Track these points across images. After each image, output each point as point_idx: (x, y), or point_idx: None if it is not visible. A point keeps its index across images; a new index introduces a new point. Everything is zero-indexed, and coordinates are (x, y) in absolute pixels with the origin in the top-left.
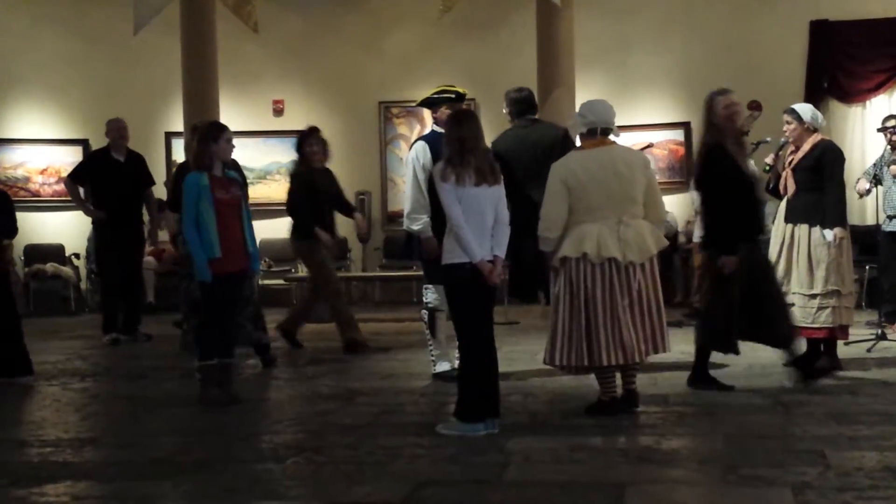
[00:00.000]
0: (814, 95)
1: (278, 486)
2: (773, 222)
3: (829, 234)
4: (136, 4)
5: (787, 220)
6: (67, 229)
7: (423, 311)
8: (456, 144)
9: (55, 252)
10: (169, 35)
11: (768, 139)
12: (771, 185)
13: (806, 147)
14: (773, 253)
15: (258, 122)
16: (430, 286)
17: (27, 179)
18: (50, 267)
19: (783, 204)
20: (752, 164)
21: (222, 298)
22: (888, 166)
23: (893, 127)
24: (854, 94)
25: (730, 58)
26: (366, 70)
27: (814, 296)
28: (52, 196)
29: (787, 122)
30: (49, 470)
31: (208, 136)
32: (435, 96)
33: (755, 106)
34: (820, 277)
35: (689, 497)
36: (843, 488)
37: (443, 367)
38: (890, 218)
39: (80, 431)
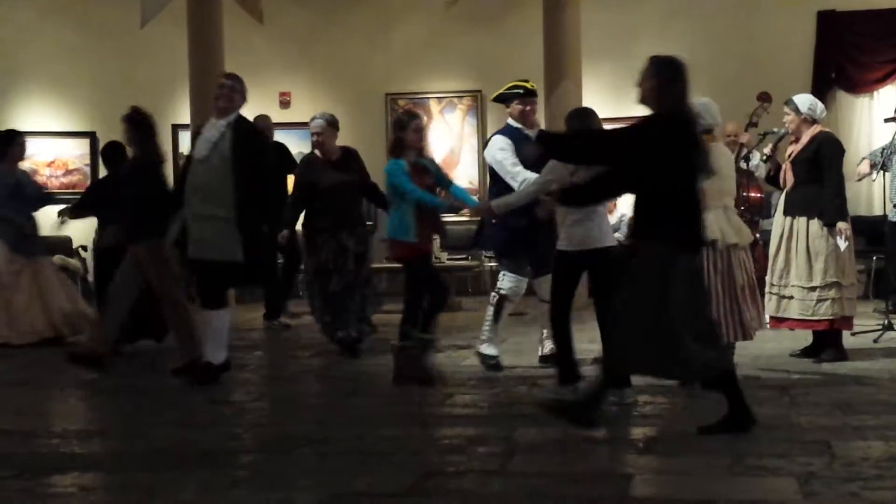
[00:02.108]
0: (821, 86)
1: (283, 477)
2: (773, 213)
3: (840, 240)
4: None
5: (786, 212)
6: (75, 222)
7: (494, 295)
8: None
9: (63, 244)
10: (175, 27)
11: (775, 130)
12: (770, 174)
13: (804, 139)
14: (772, 245)
15: (265, 113)
16: (507, 273)
17: (34, 172)
18: (57, 259)
19: (782, 196)
20: (757, 155)
21: (422, 276)
22: None
23: None
24: (861, 84)
25: (736, 49)
26: (372, 62)
27: (813, 288)
28: (60, 188)
29: (786, 114)
30: (56, 461)
31: (397, 127)
32: (507, 92)
33: (765, 97)
34: (819, 270)
35: (694, 487)
36: (849, 478)
37: (490, 350)
38: None
39: (87, 423)
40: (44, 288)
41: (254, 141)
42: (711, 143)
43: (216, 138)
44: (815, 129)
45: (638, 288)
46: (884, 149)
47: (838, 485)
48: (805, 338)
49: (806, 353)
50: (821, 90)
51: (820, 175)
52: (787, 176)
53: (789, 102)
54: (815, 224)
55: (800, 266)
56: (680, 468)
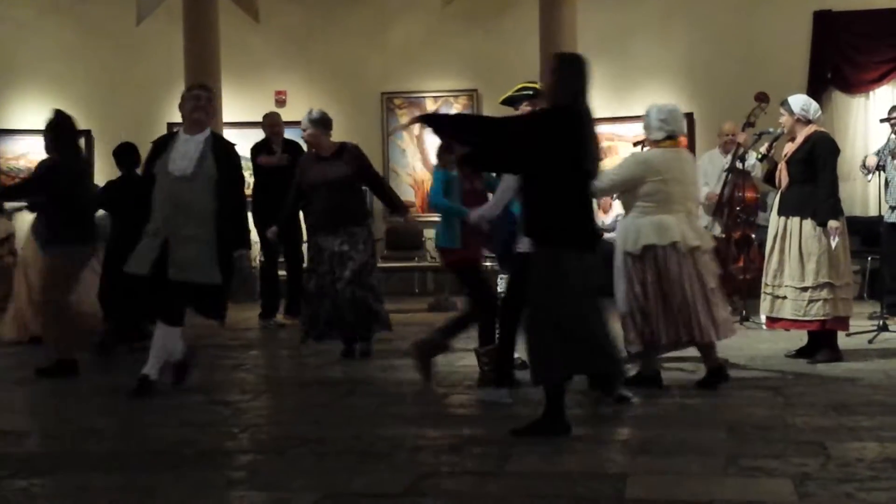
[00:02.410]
0: (817, 86)
1: (280, 478)
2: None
3: (832, 237)
4: None
5: (780, 212)
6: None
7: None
8: None
9: None
10: (171, 26)
11: (771, 130)
12: (767, 174)
13: (799, 139)
14: (767, 245)
15: (260, 112)
16: (503, 277)
17: (29, 170)
18: None
19: (777, 196)
20: (753, 155)
21: (470, 283)
22: (892, 157)
23: None
24: (858, 84)
25: (733, 48)
26: (368, 61)
27: (805, 288)
28: None
29: (781, 114)
30: (51, 461)
31: None
32: (516, 94)
33: (762, 97)
34: (811, 270)
35: (689, 488)
36: (844, 479)
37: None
38: (892, 209)
39: (82, 422)
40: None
41: (236, 159)
42: (676, 149)
43: (198, 155)
44: (811, 128)
45: (538, 292)
46: (880, 150)
47: (833, 486)
48: (800, 338)
49: (801, 353)
50: (817, 90)
51: (814, 175)
52: (782, 176)
53: (784, 103)
54: (809, 224)
55: (793, 266)
56: (675, 469)
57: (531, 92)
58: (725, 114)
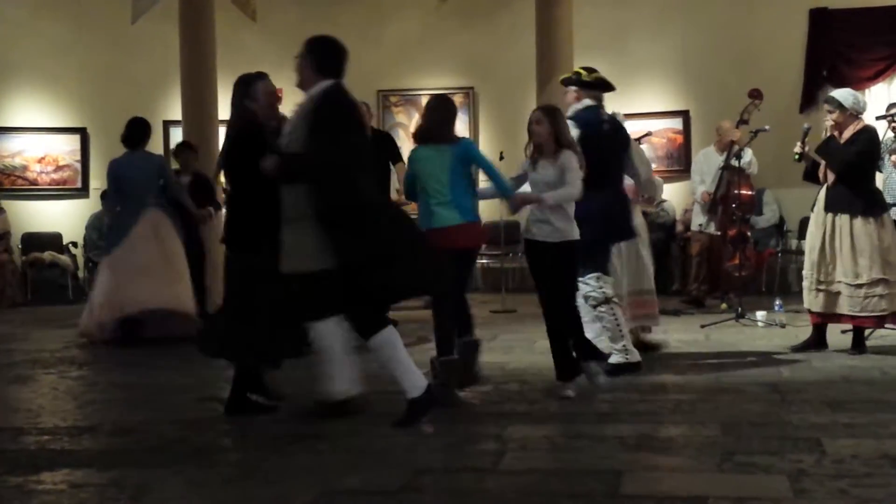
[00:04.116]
0: (813, 84)
1: (276, 474)
2: (811, 209)
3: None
4: None
5: (828, 209)
6: (65, 218)
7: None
8: None
9: (53, 240)
10: (167, 23)
11: (767, 127)
12: (807, 171)
13: (847, 134)
14: (814, 243)
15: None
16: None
17: (25, 168)
18: (48, 255)
19: (822, 193)
20: (749, 152)
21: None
22: (889, 154)
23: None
24: (854, 82)
25: (728, 46)
26: (364, 59)
27: (860, 285)
28: (50, 184)
29: (829, 111)
30: (46, 458)
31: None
32: (594, 79)
33: (756, 94)
34: (864, 266)
35: (685, 484)
36: (839, 475)
37: (617, 358)
38: (891, 206)
39: (78, 419)
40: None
41: None
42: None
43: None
44: (859, 123)
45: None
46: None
47: (829, 482)
48: (796, 336)
49: (805, 346)
50: (813, 87)
51: (862, 171)
52: (828, 172)
53: (831, 100)
54: (860, 221)
55: (845, 263)
56: (670, 465)
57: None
58: (721, 111)
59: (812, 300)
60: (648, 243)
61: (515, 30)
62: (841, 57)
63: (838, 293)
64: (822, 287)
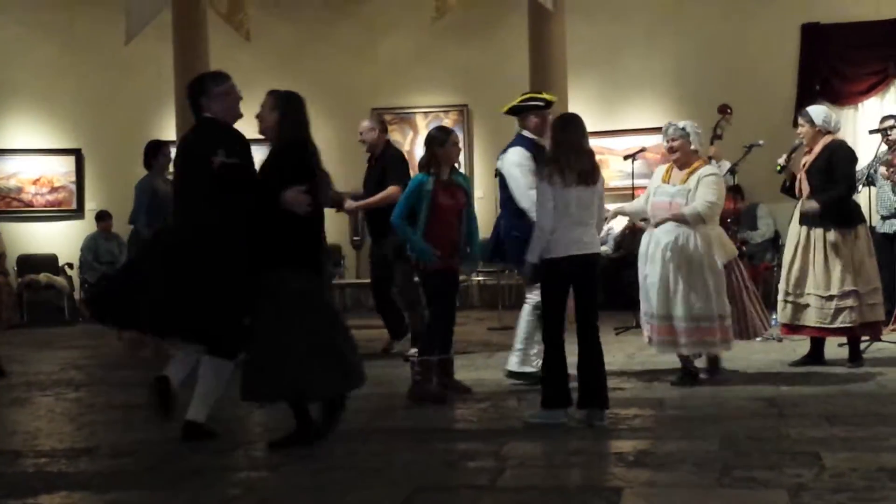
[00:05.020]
0: (806, 98)
1: (273, 494)
2: (789, 223)
3: (814, 204)
4: (128, 13)
5: (802, 222)
6: (60, 239)
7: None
8: (563, 147)
9: (48, 262)
10: (161, 43)
11: (761, 142)
12: (786, 185)
13: (817, 149)
14: (787, 255)
15: (250, 130)
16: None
17: (20, 190)
18: (43, 277)
19: (797, 206)
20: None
21: (446, 292)
22: (882, 166)
23: (891, 127)
24: (846, 96)
25: (721, 61)
26: (358, 77)
27: (830, 297)
28: (45, 206)
29: (801, 125)
30: (44, 480)
31: (434, 142)
32: (522, 104)
33: (725, 109)
34: (836, 278)
35: (684, 500)
36: (839, 489)
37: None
38: (884, 219)
39: (76, 441)
40: None
41: None
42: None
43: None
44: (828, 138)
45: (265, 314)
46: (869, 164)
47: (828, 496)
48: (794, 349)
49: (804, 361)
50: (805, 102)
51: (835, 184)
52: (803, 186)
53: (804, 114)
54: (833, 234)
55: (818, 275)
56: (669, 481)
57: (543, 103)
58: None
59: (780, 311)
60: (718, 268)
61: (509, 46)
62: (833, 71)
63: (807, 305)
64: (789, 299)
